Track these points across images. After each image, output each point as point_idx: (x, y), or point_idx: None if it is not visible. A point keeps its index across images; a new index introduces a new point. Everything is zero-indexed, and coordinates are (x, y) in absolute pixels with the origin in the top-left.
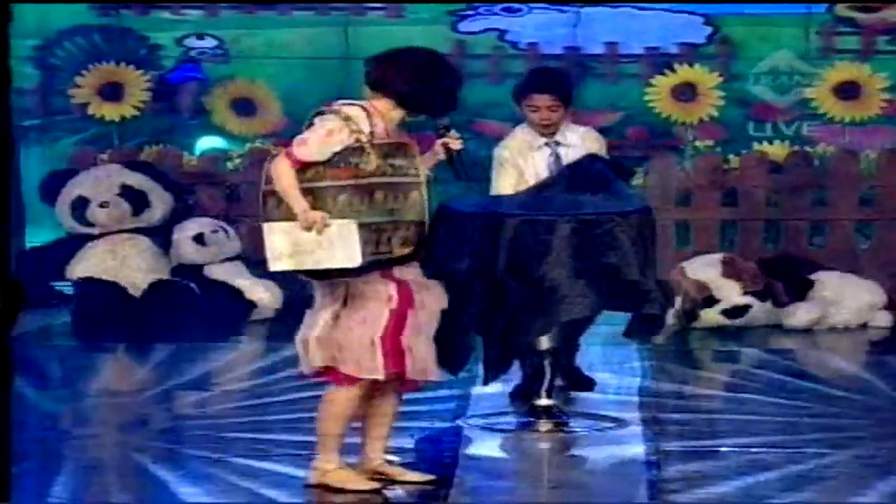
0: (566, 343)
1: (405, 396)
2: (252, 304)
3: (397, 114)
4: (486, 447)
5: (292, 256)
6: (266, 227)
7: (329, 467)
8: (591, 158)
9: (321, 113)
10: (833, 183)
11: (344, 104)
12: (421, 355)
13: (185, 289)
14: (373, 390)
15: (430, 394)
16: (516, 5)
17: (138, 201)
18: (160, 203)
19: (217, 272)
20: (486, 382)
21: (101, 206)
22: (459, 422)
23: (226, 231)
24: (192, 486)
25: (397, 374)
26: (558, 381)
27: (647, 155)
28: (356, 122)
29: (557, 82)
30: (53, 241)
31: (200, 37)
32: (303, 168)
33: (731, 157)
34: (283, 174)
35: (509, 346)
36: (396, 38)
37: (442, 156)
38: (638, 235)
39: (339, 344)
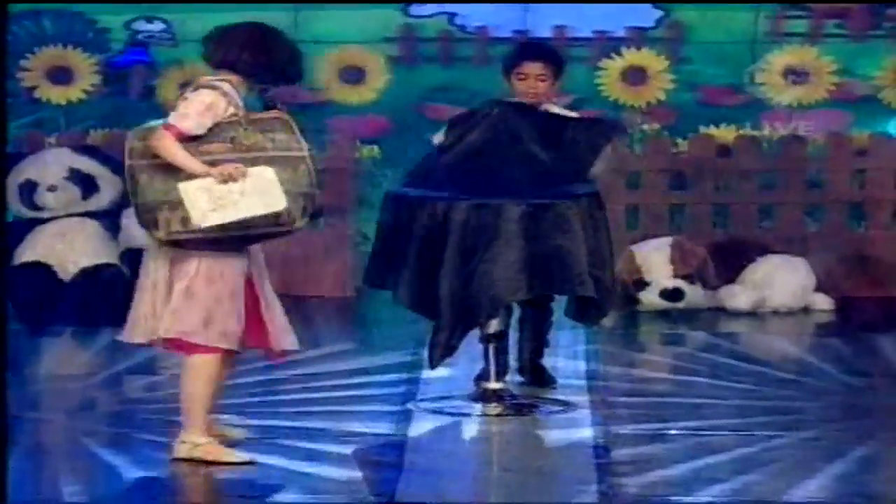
0: (531, 338)
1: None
2: None
3: (244, 89)
4: (436, 431)
5: (216, 211)
6: (182, 187)
7: (200, 441)
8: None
9: (185, 89)
10: (781, 166)
11: (215, 79)
12: (284, 326)
13: (117, 274)
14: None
15: (379, 377)
16: None
17: (87, 185)
18: (109, 187)
19: None
20: (432, 366)
21: (50, 189)
22: (409, 405)
23: None
24: (140, 470)
25: (258, 346)
26: (519, 378)
27: None
28: (232, 96)
29: (549, 52)
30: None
31: (149, 20)
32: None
33: (679, 140)
34: (170, 146)
35: (455, 329)
36: (347, 21)
37: None
38: (587, 219)
39: (204, 316)
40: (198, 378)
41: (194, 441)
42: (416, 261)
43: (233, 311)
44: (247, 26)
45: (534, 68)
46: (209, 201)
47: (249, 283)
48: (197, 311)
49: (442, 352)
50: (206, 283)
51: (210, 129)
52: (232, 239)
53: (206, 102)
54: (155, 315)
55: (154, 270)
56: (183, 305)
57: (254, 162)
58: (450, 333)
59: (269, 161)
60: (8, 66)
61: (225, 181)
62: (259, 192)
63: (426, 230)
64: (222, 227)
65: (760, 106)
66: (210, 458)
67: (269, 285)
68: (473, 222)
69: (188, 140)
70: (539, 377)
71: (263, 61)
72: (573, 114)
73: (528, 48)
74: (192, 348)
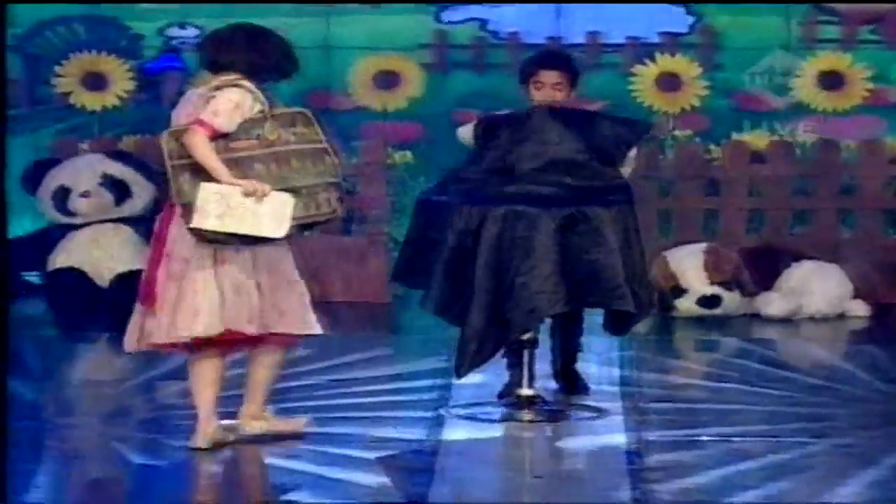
0: (563, 345)
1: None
2: None
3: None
4: (469, 437)
5: (220, 218)
6: (203, 185)
7: (268, 415)
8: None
9: (218, 88)
10: (815, 172)
11: (236, 79)
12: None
13: None
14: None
15: (412, 384)
16: None
17: (120, 191)
18: (142, 193)
19: None
20: (459, 376)
21: (83, 195)
22: (442, 411)
23: None
24: (173, 476)
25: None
26: (553, 384)
27: None
28: (256, 94)
29: (565, 61)
30: (35, 231)
31: (182, 26)
32: (211, 139)
33: (711, 146)
34: (202, 146)
35: (487, 341)
36: (378, 28)
37: None
38: (620, 229)
39: (280, 309)
40: (275, 367)
41: (264, 416)
42: (446, 267)
43: (304, 298)
44: (236, 27)
45: (550, 77)
46: (220, 207)
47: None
48: (273, 304)
49: (471, 362)
50: (271, 274)
51: (240, 125)
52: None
53: (234, 101)
54: (212, 310)
55: (202, 266)
56: (258, 302)
57: (284, 155)
58: (479, 345)
59: (298, 154)
60: (44, 72)
61: (246, 195)
62: (269, 216)
63: (459, 237)
64: (214, 233)
65: (794, 112)
66: (286, 429)
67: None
68: (508, 232)
69: (219, 137)
70: (573, 383)
71: (256, 59)
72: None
73: (545, 57)
74: (273, 339)
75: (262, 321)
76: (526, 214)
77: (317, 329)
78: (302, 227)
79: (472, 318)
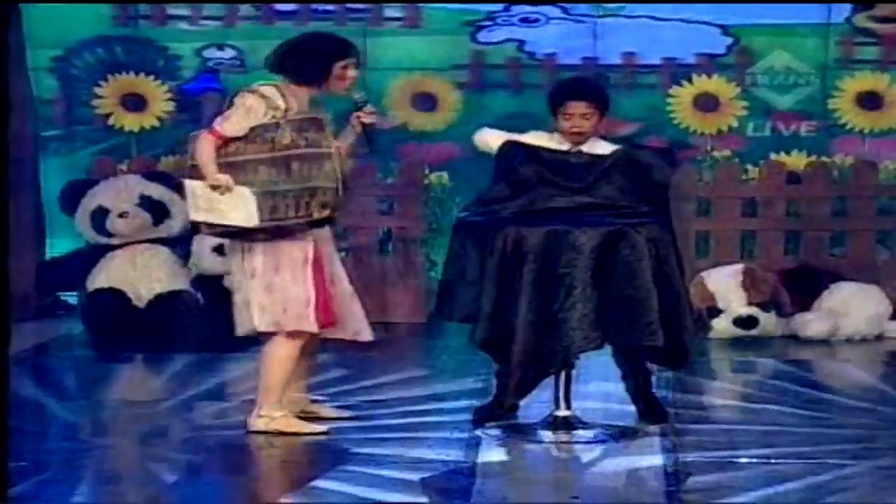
0: (633, 371)
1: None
2: None
3: (302, 91)
4: (505, 458)
5: (207, 211)
6: (186, 182)
7: (277, 415)
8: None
9: (237, 94)
10: (853, 193)
11: (260, 85)
12: (358, 317)
13: (192, 299)
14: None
15: (449, 404)
16: (534, 15)
17: (158, 211)
18: (180, 213)
19: None
20: (504, 409)
21: (121, 216)
22: (479, 432)
23: None
24: (209, 496)
25: (329, 326)
26: (630, 407)
27: None
28: (272, 99)
29: (592, 90)
30: (73, 252)
31: (220, 47)
32: (224, 143)
33: (749, 166)
34: (202, 147)
35: (527, 373)
36: (415, 48)
37: (357, 129)
38: (656, 262)
39: (282, 306)
40: (275, 359)
41: (272, 415)
42: (492, 304)
43: (302, 296)
44: (302, 35)
45: (578, 107)
46: (203, 201)
47: (321, 261)
48: (277, 301)
49: (513, 394)
50: (275, 272)
51: (253, 130)
52: (274, 228)
53: (246, 105)
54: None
55: (246, 266)
56: (266, 299)
57: (286, 160)
58: (521, 377)
59: (302, 159)
60: (82, 93)
61: (213, 189)
62: (238, 207)
63: (500, 270)
64: (206, 224)
65: (832, 132)
66: (289, 429)
67: (342, 274)
68: (549, 269)
69: (233, 140)
70: (652, 409)
71: (283, 63)
72: (615, 147)
73: (571, 87)
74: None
75: (272, 318)
76: (564, 249)
77: (308, 326)
78: (280, 229)
79: (515, 350)
